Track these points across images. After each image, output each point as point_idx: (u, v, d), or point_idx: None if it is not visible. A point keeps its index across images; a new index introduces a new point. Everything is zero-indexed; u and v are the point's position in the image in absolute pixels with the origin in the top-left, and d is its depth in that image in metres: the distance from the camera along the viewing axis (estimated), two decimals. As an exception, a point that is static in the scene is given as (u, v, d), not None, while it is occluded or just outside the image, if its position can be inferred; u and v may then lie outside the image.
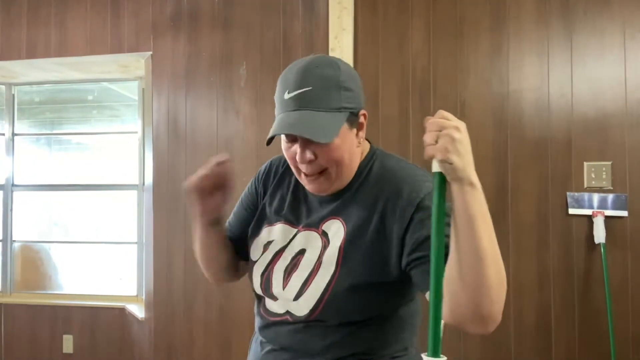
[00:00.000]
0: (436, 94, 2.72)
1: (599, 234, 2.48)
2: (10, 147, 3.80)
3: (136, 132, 3.60)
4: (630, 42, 2.55)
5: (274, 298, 1.09)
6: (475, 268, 0.81)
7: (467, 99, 2.70)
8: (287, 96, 1.00)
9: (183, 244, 3.06)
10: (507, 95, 2.66)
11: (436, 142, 0.79)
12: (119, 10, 3.21)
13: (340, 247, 1.02)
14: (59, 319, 3.51)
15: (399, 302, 1.07)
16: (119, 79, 3.67)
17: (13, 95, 3.81)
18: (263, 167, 1.25)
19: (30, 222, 3.84)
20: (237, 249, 1.24)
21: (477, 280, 0.81)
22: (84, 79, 3.68)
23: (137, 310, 3.29)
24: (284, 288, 1.07)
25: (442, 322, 0.84)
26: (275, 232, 1.13)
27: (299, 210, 1.13)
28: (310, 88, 0.98)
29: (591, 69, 2.59)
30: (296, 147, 1.02)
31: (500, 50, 2.68)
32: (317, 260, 1.04)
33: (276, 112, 1.05)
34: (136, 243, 3.56)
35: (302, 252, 1.08)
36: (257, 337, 1.17)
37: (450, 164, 0.78)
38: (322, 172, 1.04)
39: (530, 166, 2.62)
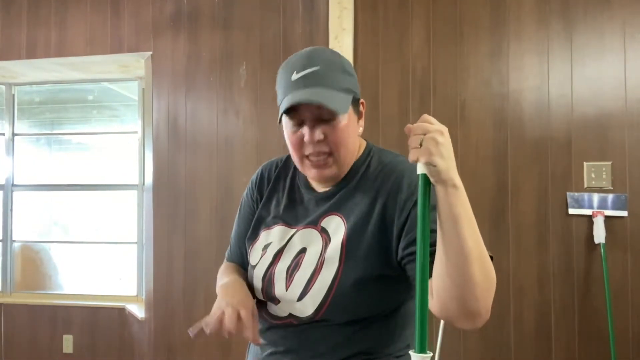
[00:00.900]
0: (436, 94, 2.72)
1: (599, 234, 2.48)
2: (10, 147, 3.80)
3: (136, 132, 3.60)
4: (630, 42, 2.55)
5: (277, 301, 1.07)
6: (460, 266, 0.83)
7: (467, 99, 2.70)
8: (295, 77, 1.02)
9: (183, 244, 3.06)
10: (507, 95, 2.66)
11: (420, 145, 0.81)
12: (119, 10, 3.21)
13: (342, 242, 1.02)
14: (59, 319, 3.51)
15: (403, 297, 1.07)
16: (119, 79, 3.67)
17: (13, 95, 3.81)
18: (254, 175, 1.25)
19: (30, 222, 3.84)
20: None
21: (462, 278, 0.83)
22: (84, 79, 3.68)
23: (137, 310, 3.29)
24: (287, 289, 1.05)
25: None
26: (273, 235, 1.13)
27: (296, 211, 1.14)
28: (318, 67, 1.01)
29: (591, 69, 2.59)
30: (303, 130, 1.04)
31: (500, 50, 2.68)
32: (320, 257, 1.04)
33: (282, 95, 1.05)
34: (136, 243, 3.56)
35: (303, 250, 1.07)
36: None
37: (435, 166, 0.80)
38: (328, 156, 1.05)
39: (530, 166, 2.62)
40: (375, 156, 1.12)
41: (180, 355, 3.05)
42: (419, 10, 2.77)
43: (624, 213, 2.51)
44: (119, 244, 3.70)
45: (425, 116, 0.84)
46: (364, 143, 1.16)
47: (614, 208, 2.51)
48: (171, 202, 3.10)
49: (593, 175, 2.55)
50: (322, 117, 1.01)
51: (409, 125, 0.84)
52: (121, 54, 3.22)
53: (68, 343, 3.47)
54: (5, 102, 3.80)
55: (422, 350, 0.76)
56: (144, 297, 3.33)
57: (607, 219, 2.51)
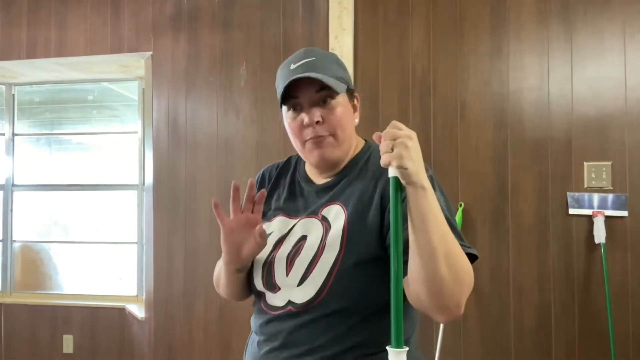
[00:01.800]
0: (436, 94, 2.72)
1: (599, 234, 2.48)
2: (10, 147, 3.80)
3: (136, 132, 3.60)
4: (630, 42, 2.55)
5: (276, 288, 1.08)
6: (428, 263, 0.88)
7: (467, 99, 2.70)
8: (293, 66, 1.10)
9: (183, 244, 3.06)
10: (507, 95, 2.66)
11: (392, 149, 0.86)
12: (119, 10, 3.21)
13: (343, 228, 1.05)
14: (59, 319, 3.51)
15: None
16: (119, 79, 3.67)
17: (13, 95, 3.81)
18: (255, 178, 1.28)
19: (30, 222, 3.84)
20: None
21: (430, 274, 0.88)
22: (84, 79, 3.68)
23: (137, 310, 3.29)
24: (287, 275, 1.07)
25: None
26: (273, 225, 1.15)
27: (296, 203, 1.17)
28: (313, 58, 1.10)
29: (591, 69, 2.59)
30: (302, 116, 1.10)
31: (500, 50, 2.68)
32: (321, 242, 1.05)
33: (281, 85, 1.10)
34: (136, 243, 3.57)
35: (303, 238, 1.09)
36: (253, 338, 1.16)
37: (406, 169, 0.85)
38: (326, 137, 1.10)
39: (530, 166, 2.62)
40: (375, 151, 1.16)
41: (180, 355, 3.05)
42: (419, 10, 2.77)
43: (624, 213, 2.51)
44: (119, 244, 3.70)
45: (394, 122, 0.90)
46: (363, 141, 1.20)
47: (614, 208, 2.52)
48: (171, 202, 3.10)
49: (593, 175, 2.55)
50: (320, 101, 1.09)
51: (378, 133, 0.90)
52: (121, 54, 3.22)
53: (68, 343, 3.47)
54: (5, 102, 3.80)
55: (398, 345, 0.80)
56: (144, 297, 3.34)
57: (607, 219, 2.51)
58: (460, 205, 2.65)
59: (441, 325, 2.57)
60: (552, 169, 2.60)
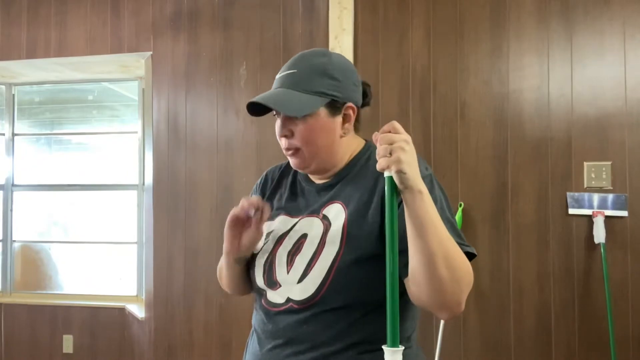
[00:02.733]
0: (436, 94, 2.72)
1: (599, 234, 2.48)
2: (10, 147, 3.80)
3: (136, 132, 3.60)
4: (630, 42, 2.55)
5: (277, 285, 1.09)
6: (426, 264, 0.90)
7: (467, 99, 2.70)
8: (277, 76, 1.13)
9: (183, 243, 3.06)
10: (507, 95, 2.66)
11: (390, 154, 0.87)
12: (119, 10, 3.21)
13: (343, 226, 1.05)
14: (59, 319, 3.51)
15: (402, 285, 1.07)
16: (119, 79, 3.67)
17: (13, 95, 3.81)
18: (259, 179, 1.32)
19: (30, 222, 3.84)
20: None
21: (428, 275, 0.90)
22: (84, 79, 3.68)
23: (137, 310, 3.29)
24: (288, 272, 1.08)
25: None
26: (274, 224, 1.17)
27: (297, 202, 1.18)
28: (295, 71, 1.10)
29: (591, 69, 2.59)
30: (277, 124, 1.14)
31: (500, 50, 2.68)
32: (321, 240, 1.06)
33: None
34: (136, 243, 3.57)
35: (304, 236, 1.10)
36: (254, 337, 1.16)
37: (405, 174, 0.86)
38: (297, 150, 1.12)
39: (530, 166, 2.62)
40: (374, 151, 1.15)
41: (180, 355, 3.05)
42: (419, 10, 2.77)
43: (624, 213, 2.51)
44: (119, 244, 3.70)
45: (393, 124, 0.90)
46: (363, 142, 1.20)
47: (614, 208, 2.52)
48: (171, 202, 3.10)
49: (593, 175, 2.55)
50: (287, 115, 1.09)
51: (377, 134, 0.91)
52: (121, 54, 3.22)
53: (68, 343, 3.47)
54: (5, 102, 3.80)
55: (394, 344, 0.81)
56: (144, 297, 3.33)
57: (607, 219, 2.51)
58: (460, 205, 2.65)
59: (441, 325, 2.57)
60: (552, 169, 2.60)
